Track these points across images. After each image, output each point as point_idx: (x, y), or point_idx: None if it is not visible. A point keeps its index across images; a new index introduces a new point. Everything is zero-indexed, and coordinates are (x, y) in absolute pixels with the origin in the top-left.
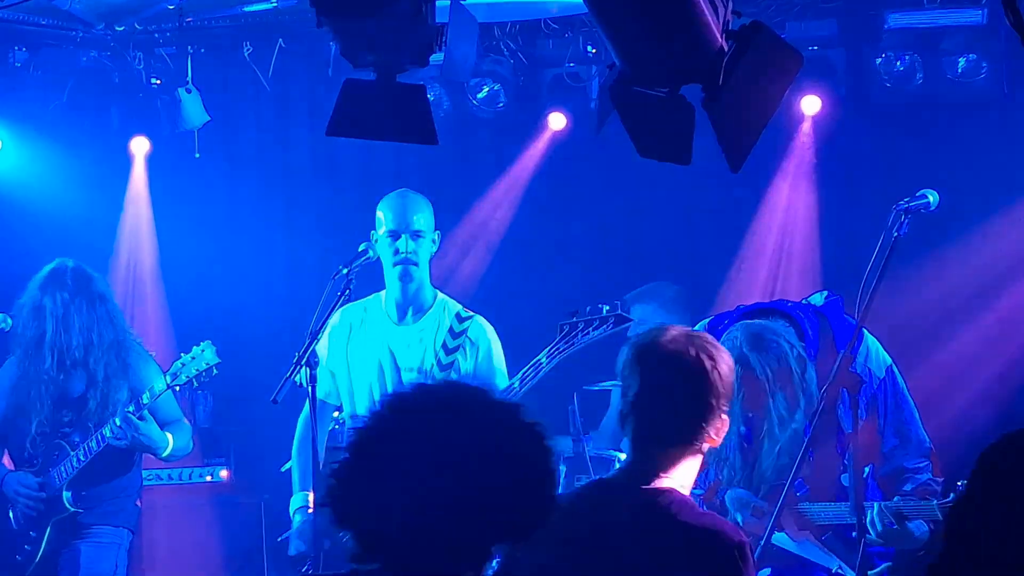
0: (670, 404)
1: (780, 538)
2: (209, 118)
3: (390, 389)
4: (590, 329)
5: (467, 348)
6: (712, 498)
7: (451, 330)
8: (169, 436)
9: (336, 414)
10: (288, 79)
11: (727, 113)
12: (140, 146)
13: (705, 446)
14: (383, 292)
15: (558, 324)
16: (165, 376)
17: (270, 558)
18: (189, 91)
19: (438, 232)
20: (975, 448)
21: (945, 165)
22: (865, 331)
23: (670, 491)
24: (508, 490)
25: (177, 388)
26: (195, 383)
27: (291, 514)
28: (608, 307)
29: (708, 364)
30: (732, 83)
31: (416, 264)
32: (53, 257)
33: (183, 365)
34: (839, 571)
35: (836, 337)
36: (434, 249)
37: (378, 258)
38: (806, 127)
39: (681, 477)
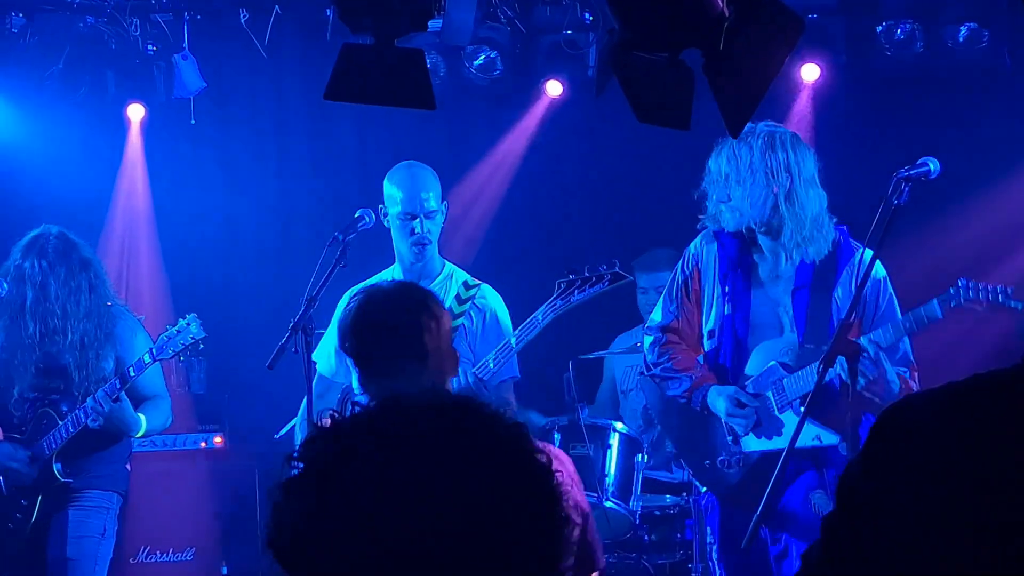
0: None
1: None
2: (205, 84)
3: None
4: (586, 286)
5: (473, 314)
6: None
7: (458, 296)
8: (143, 418)
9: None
10: (284, 46)
11: (727, 78)
12: (136, 112)
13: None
14: (393, 266)
15: (556, 281)
16: (151, 349)
17: (264, 525)
18: (185, 58)
19: (445, 202)
20: None
21: (945, 133)
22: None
23: None
24: (518, 530)
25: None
26: (181, 357)
27: None
28: (605, 265)
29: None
30: (733, 48)
31: (430, 242)
32: (49, 223)
33: (168, 339)
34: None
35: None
36: (443, 219)
37: (374, 224)
38: (805, 95)
39: None
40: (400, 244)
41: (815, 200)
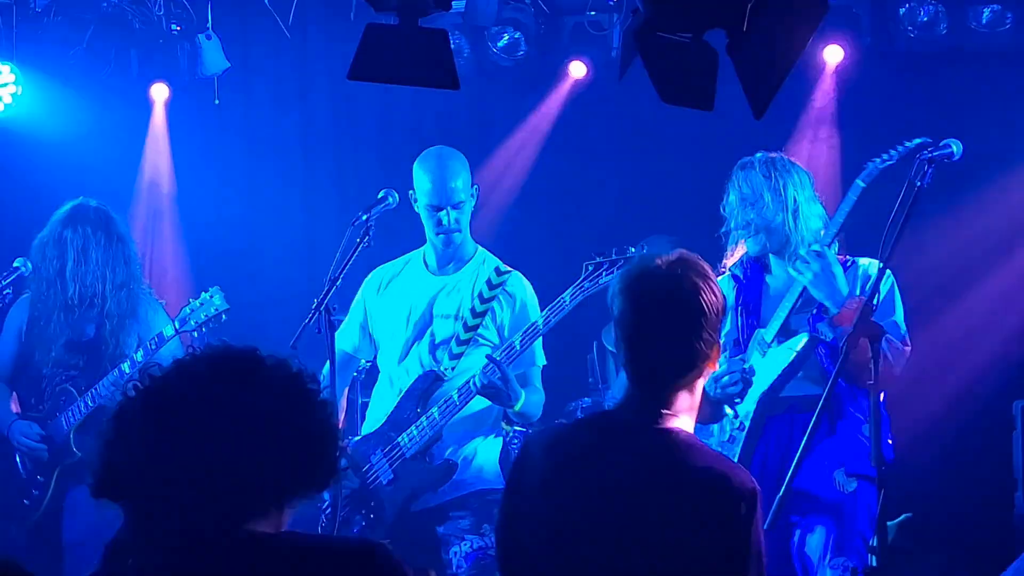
0: (663, 335)
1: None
2: (229, 64)
3: (424, 334)
4: (614, 269)
5: (503, 300)
6: None
7: (488, 282)
8: None
9: (364, 362)
10: (308, 25)
11: (751, 59)
12: (160, 92)
13: (706, 372)
14: (424, 248)
15: (583, 263)
16: (174, 322)
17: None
18: (209, 37)
19: (476, 187)
20: (997, 400)
21: (968, 115)
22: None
23: (676, 431)
24: (285, 449)
25: (194, 334)
26: (204, 329)
27: None
28: (634, 248)
29: (697, 290)
30: (756, 29)
31: (459, 231)
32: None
33: (192, 311)
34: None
35: None
36: (473, 203)
37: (398, 205)
38: (829, 76)
39: (684, 409)
40: (429, 231)
41: (816, 217)
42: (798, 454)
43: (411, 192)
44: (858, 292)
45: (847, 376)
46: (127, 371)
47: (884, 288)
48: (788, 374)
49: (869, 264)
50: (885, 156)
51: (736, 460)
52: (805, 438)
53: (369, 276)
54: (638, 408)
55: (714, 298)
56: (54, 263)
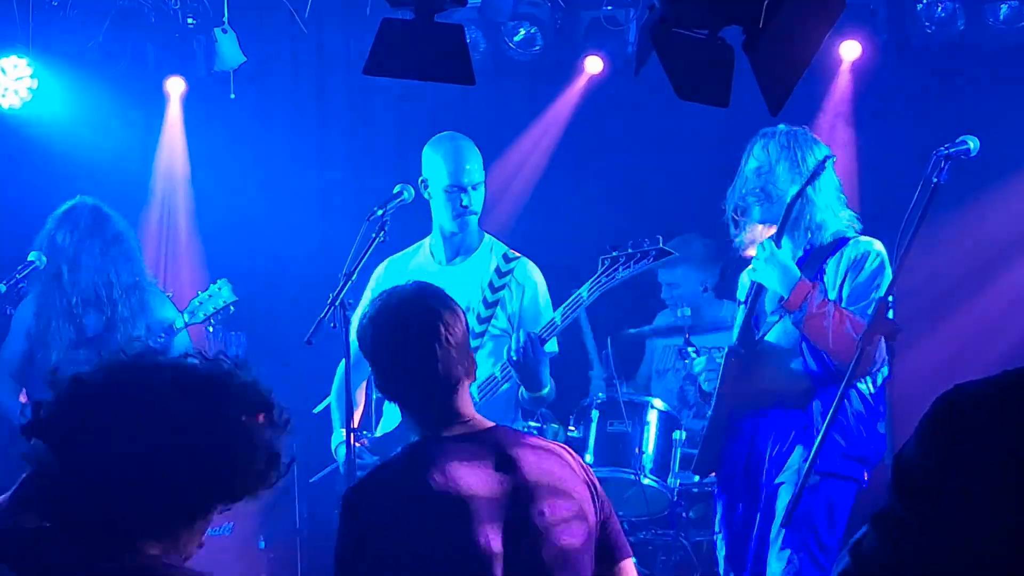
0: (419, 368)
1: None
2: (245, 59)
3: None
4: (631, 263)
5: (513, 288)
6: None
7: (498, 270)
8: None
9: None
10: (324, 19)
11: (767, 56)
12: (176, 86)
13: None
14: (427, 239)
15: (599, 258)
16: (183, 314)
17: (302, 500)
18: (225, 31)
19: (483, 172)
20: None
21: (986, 112)
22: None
23: (499, 427)
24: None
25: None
26: (212, 321)
27: (333, 450)
28: (649, 241)
29: (440, 339)
30: (773, 25)
31: (476, 214)
32: (86, 195)
33: (200, 303)
34: None
35: None
36: (484, 189)
37: (414, 199)
38: (846, 72)
39: (471, 411)
40: (443, 217)
41: (830, 190)
42: (814, 448)
43: (422, 180)
44: (843, 269)
45: (838, 370)
46: None
47: (869, 266)
48: None
49: (870, 242)
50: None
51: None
52: (824, 427)
53: (379, 268)
54: (438, 424)
55: (454, 331)
56: (48, 267)
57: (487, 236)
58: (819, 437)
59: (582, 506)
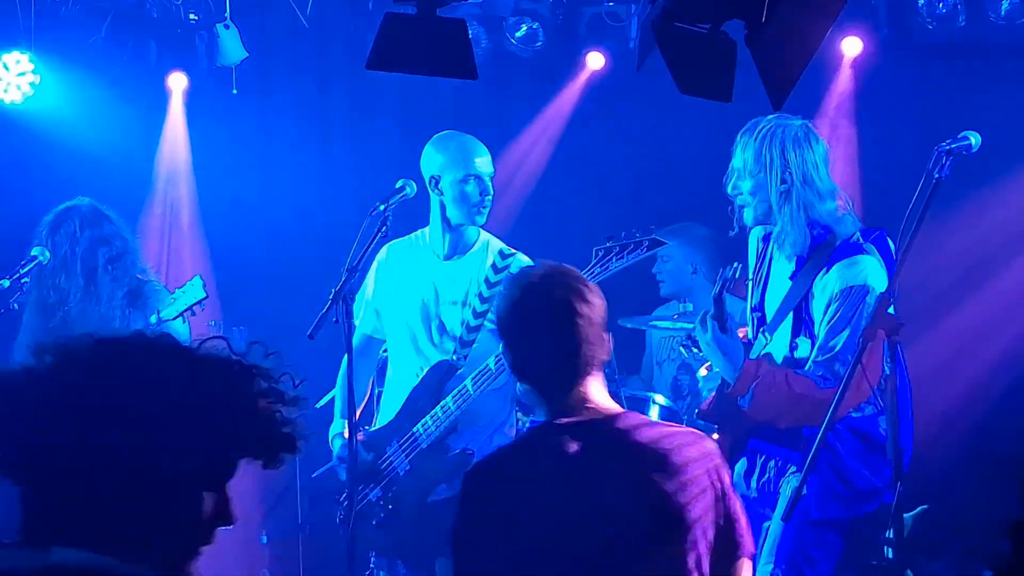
0: (554, 347)
1: None
2: (247, 54)
3: (432, 322)
4: (625, 253)
5: None
6: None
7: (494, 266)
8: None
9: (383, 351)
10: (327, 15)
11: (769, 50)
12: (178, 82)
13: (601, 366)
14: (427, 229)
15: (593, 249)
16: (158, 311)
17: (304, 495)
18: (227, 27)
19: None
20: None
21: (987, 107)
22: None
23: (621, 414)
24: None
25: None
26: (184, 319)
27: (330, 440)
28: (642, 232)
29: (575, 301)
30: (775, 20)
31: (489, 206)
32: (91, 192)
33: (174, 300)
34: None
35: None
36: None
37: (416, 194)
38: (847, 68)
39: (600, 397)
40: (457, 209)
41: (815, 196)
42: (813, 449)
43: (431, 178)
44: (828, 295)
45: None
46: None
47: (853, 301)
48: None
49: (863, 270)
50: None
51: None
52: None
53: (380, 254)
54: (562, 411)
55: (588, 312)
56: (46, 268)
57: (484, 233)
58: (803, 474)
59: (697, 493)
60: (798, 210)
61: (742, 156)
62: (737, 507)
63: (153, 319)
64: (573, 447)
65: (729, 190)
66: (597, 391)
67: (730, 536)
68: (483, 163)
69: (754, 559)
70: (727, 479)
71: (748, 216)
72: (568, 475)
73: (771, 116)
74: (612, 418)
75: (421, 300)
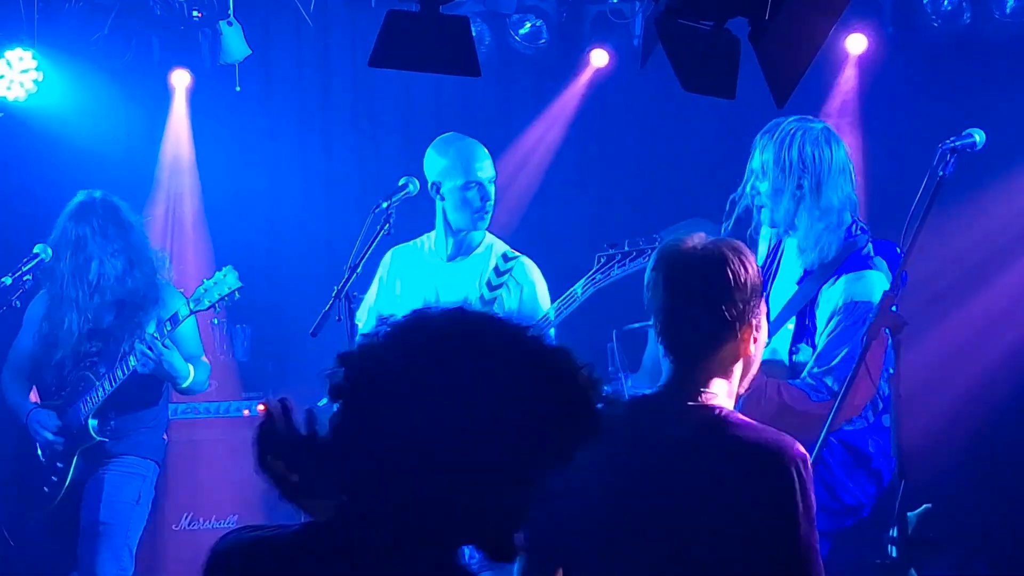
0: (695, 313)
1: None
2: (250, 51)
3: None
4: (626, 261)
5: (511, 286)
6: None
7: (496, 269)
8: (191, 367)
9: None
10: (330, 12)
11: (773, 47)
12: (181, 79)
13: (741, 353)
14: (432, 233)
15: (596, 255)
16: (188, 302)
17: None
18: (230, 24)
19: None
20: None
21: (992, 105)
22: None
23: (717, 407)
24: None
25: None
26: (218, 308)
27: None
28: (645, 239)
29: (724, 261)
30: (779, 17)
31: (490, 211)
32: (96, 189)
33: (205, 290)
34: None
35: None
36: None
37: (419, 192)
38: (852, 66)
39: (722, 388)
40: (459, 214)
41: (832, 202)
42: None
43: (432, 184)
44: (832, 307)
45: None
46: (143, 350)
47: (837, 310)
48: None
49: (870, 285)
50: None
51: None
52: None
53: (386, 257)
54: (676, 387)
55: (743, 271)
56: (67, 262)
57: (488, 235)
58: None
59: (726, 510)
60: (813, 215)
61: (760, 158)
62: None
63: (184, 311)
64: (677, 430)
65: (748, 190)
66: (719, 385)
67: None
68: (484, 168)
69: None
70: (807, 485)
71: (765, 217)
72: (661, 457)
73: (793, 118)
74: (708, 408)
75: (423, 301)
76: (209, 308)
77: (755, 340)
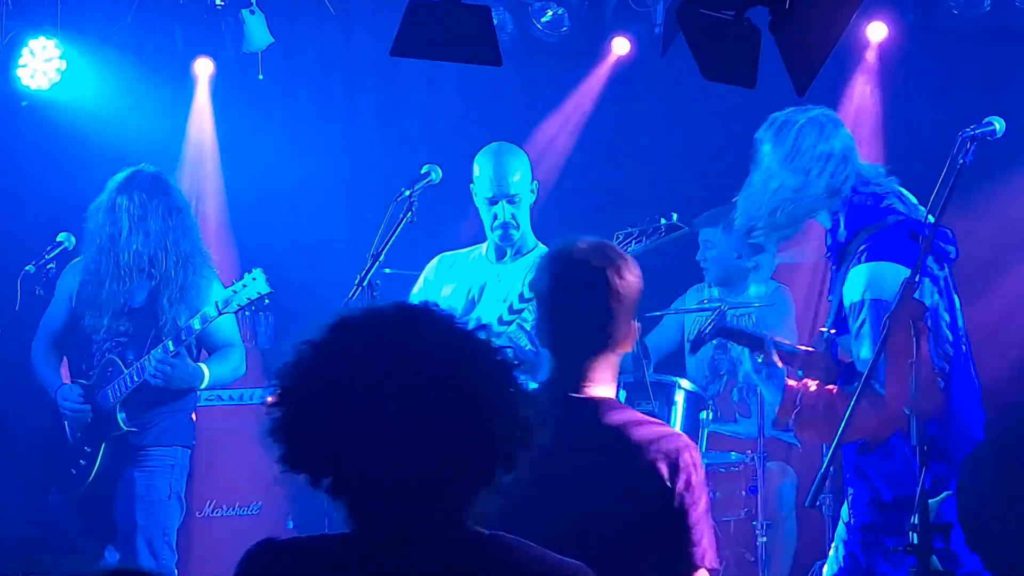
0: (578, 313)
1: None
2: (273, 40)
3: (471, 315)
4: (643, 238)
5: None
6: None
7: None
8: (204, 369)
9: None
10: (352, 1)
11: (794, 36)
12: (204, 67)
13: (619, 350)
14: (487, 240)
15: (613, 234)
16: (216, 304)
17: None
18: (253, 12)
19: (536, 182)
20: None
21: (1012, 92)
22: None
23: (601, 398)
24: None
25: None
26: (246, 312)
27: None
28: (662, 218)
29: (610, 273)
30: (799, 6)
31: (516, 227)
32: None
33: (234, 293)
34: None
35: None
36: (533, 199)
37: (441, 181)
38: (872, 54)
39: (605, 380)
40: (486, 223)
41: (839, 185)
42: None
43: (472, 186)
44: (852, 291)
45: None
46: (172, 348)
47: (857, 306)
48: None
49: (896, 278)
50: None
51: None
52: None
53: (431, 263)
54: (558, 380)
55: (624, 283)
56: (107, 229)
57: (540, 244)
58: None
59: (636, 494)
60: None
61: (761, 163)
62: (697, 514)
63: (212, 312)
64: (564, 419)
65: (758, 206)
66: (603, 374)
67: (680, 541)
68: (507, 183)
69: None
70: (687, 475)
71: (782, 218)
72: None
73: (789, 108)
74: (597, 403)
75: (467, 298)
76: (237, 311)
77: (631, 337)
